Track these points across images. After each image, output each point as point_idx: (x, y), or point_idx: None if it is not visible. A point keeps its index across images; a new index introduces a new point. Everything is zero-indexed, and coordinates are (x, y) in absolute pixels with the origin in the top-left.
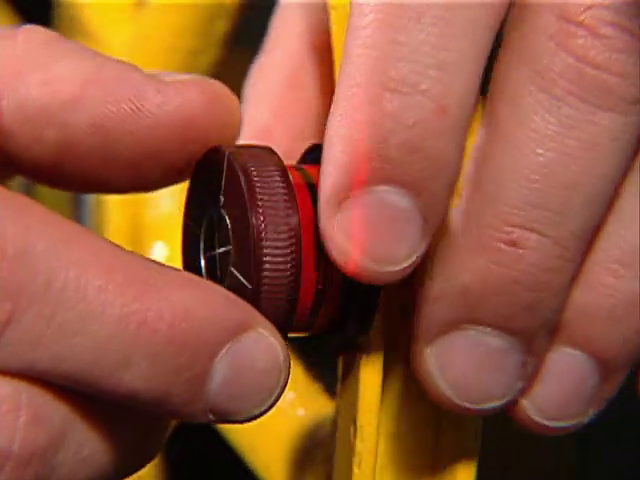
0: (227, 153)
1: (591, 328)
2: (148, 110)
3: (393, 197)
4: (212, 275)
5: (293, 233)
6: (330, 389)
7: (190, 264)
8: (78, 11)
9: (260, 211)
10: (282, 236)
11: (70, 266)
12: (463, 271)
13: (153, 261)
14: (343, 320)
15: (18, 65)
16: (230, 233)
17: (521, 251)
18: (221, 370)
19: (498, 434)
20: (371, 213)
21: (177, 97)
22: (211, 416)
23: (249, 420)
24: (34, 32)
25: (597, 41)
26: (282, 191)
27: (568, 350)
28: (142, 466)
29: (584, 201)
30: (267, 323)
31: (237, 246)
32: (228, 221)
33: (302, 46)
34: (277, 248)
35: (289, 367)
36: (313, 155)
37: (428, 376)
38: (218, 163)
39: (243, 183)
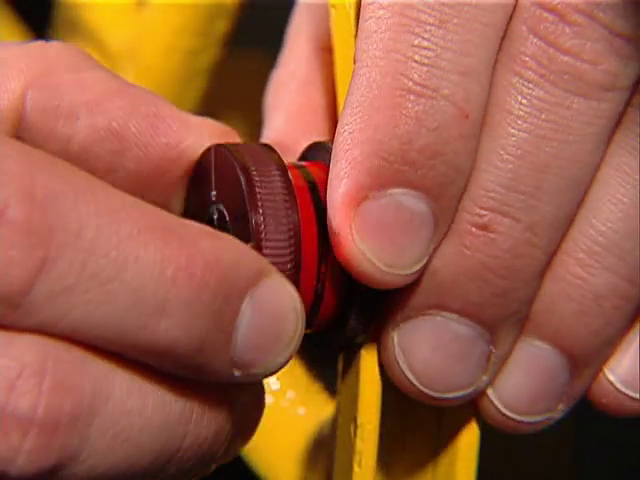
0: (227, 152)
1: (560, 320)
2: (165, 130)
3: (411, 201)
4: None
5: (293, 231)
6: (330, 388)
7: None
8: (78, 11)
9: (260, 210)
10: (282, 235)
11: (101, 214)
12: (435, 254)
13: (175, 216)
14: (343, 319)
15: (49, 65)
16: (230, 232)
17: (492, 235)
18: (247, 315)
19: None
20: (388, 216)
21: (191, 135)
22: (235, 372)
23: (269, 375)
24: (64, 45)
25: (567, 28)
26: (282, 190)
27: (537, 343)
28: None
29: (557, 185)
30: (279, 273)
31: None
32: (228, 219)
33: (312, 52)
34: (277, 247)
35: (304, 316)
36: (314, 152)
37: (393, 362)
38: (218, 162)
39: (243, 182)
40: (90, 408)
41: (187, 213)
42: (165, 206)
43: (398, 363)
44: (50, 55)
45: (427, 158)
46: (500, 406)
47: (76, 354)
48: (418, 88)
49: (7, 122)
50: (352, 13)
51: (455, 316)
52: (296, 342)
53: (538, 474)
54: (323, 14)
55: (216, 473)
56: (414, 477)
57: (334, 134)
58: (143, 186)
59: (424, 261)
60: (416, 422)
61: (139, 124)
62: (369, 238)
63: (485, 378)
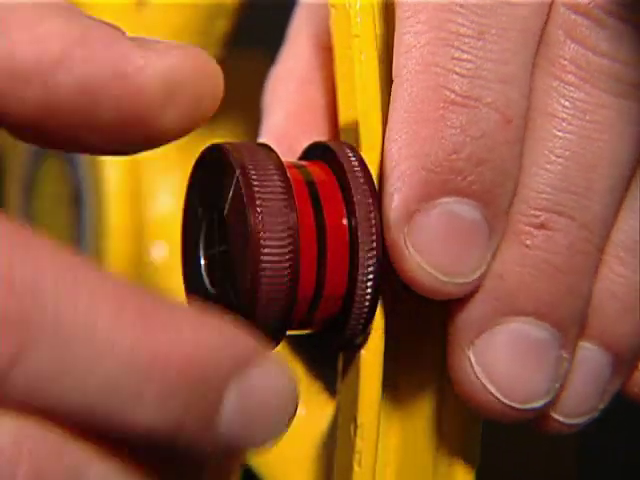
0: (226, 151)
1: (605, 319)
2: (132, 74)
3: (462, 208)
4: (211, 273)
5: (291, 231)
6: (330, 388)
7: (189, 262)
8: None
9: (258, 210)
10: (280, 235)
11: (79, 301)
12: (496, 261)
13: (158, 294)
14: (343, 319)
15: (4, 22)
16: (229, 231)
17: (551, 233)
18: (232, 402)
19: (498, 432)
20: (441, 226)
21: (160, 62)
22: (218, 450)
23: (256, 450)
24: None
25: (602, 31)
26: (280, 189)
27: (585, 345)
28: None
29: (605, 184)
30: (272, 353)
31: (236, 244)
32: (227, 219)
33: (312, 51)
34: (275, 247)
35: (298, 395)
36: (314, 153)
37: (473, 381)
38: (217, 161)
39: (241, 181)
40: None
41: (186, 214)
42: (157, 128)
43: (480, 380)
44: (2, 10)
45: (474, 165)
46: (552, 411)
47: (52, 438)
48: (460, 99)
49: None
50: (352, 13)
51: (530, 319)
52: (289, 419)
53: (539, 474)
54: (324, 13)
55: None
56: (415, 475)
57: (334, 134)
58: (123, 135)
59: (483, 268)
60: (416, 420)
61: (104, 75)
62: (425, 250)
63: (557, 386)
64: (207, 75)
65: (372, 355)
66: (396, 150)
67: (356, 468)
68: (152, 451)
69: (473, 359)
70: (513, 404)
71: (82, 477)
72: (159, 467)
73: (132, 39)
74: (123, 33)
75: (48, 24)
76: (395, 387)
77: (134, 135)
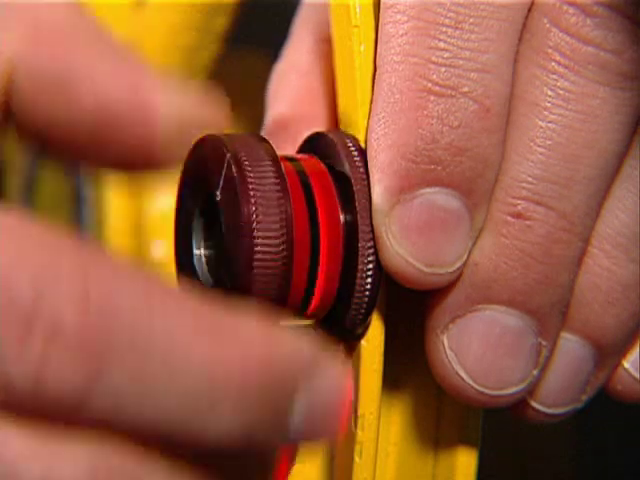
0: (219, 142)
1: (589, 312)
2: (152, 103)
3: (443, 198)
4: (205, 264)
5: (285, 222)
6: None
7: (183, 254)
8: None
9: (252, 200)
10: (274, 225)
11: (155, 319)
12: (474, 249)
13: (222, 305)
14: (343, 309)
15: (42, 31)
16: (222, 222)
17: (528, 222)
18: (300, 406)
19: (499, 423)
20: (422, 216)
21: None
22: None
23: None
24: (57, 5)
25: (589, 19)
26: (274, 180)
27: (567, 336)
28: None
29: (588, 175)
30: (329, 353)
31: (229, 234)
32: (220, 209)
33: (314, 43)
34: (269, 237)
35: (350, 389)
36: (314, 143)
37: (445, 365)
38: (210, 152)
39: (235, 172)
40: None
41: (180, 204)
42: (160, 158)
43: (451, 364)
44: (43, 18)
45: (453, 155)
46: (531, 400)
47: (127, 464)
48: (437, 88)
49: None
50: (352, 3)
51: (503, 308)
52: (345, 417)
53: (538, 475)
54: (326, 8)
55: None
56: (415, 466)
57: (336, 124)
58: (130, 152)
59: (465, 257)
60: (417, 410)
61: (121, 101)
62: (406, 241)
63: (535, 372)
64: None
65: (372, 346)
66: (375, 140)
67: (357, 459)
68: (221, 455)
69: (446, 344)
70: (485, 390)
71: None
72: (227, 468)
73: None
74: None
75: (80, 37)
76: (395, 378)
77: (139, 161)
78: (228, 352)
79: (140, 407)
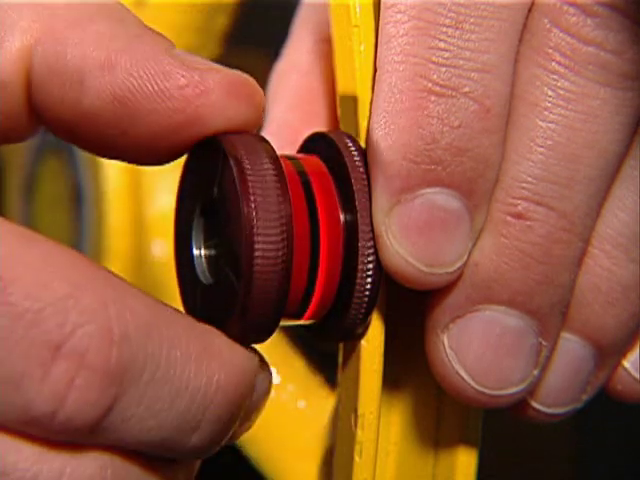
0: (219, 142)
1: (589, 312)
2: (170, 93)
3: (443, 198)
4: (204, 264)
5: (285, 222)
6: (331, 380)
7: (183, 254)
8: None
9: (252, 199)
10: (273, 224)
11: (162, 345)
12: (474, 249)
13: (201, 323)
14: (343, 309)
15: (55, 19)
16: (222, 222)
17: (528, 223)
18: (243, 412)
19: (499, 423)
20: (422, 216)
21: (200, 85)
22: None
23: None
24: None
25: (590, 19)
26: (274, 180)
27: (567, 336)
28: None
29: (588, 175)
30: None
31: (229, 234)
32: (220, 209)
33: (314, 43)
34: (269, 237)
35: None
36: (314, 143)
37: (445, 364)
38: (210, 152)
39: (235, 172)
40: None
41: (179, 204)
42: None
43: (451, 364)
44: (59, 10)
45: (453, 155)
46: (531, 400)
47: (128, 466)
48: (438, 88)
49: (16, 83)
50: (352, 3)
51: (503, 308)
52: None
53: (538, 475)
54: (326, 8)
55: (215, 467)
56: (415, 465)
57: (336, 123)
58: (154, 147)
59: (465, 257)
60: (417, 409)
61: (145, 89)
62: (406, 241)
63: (536, 373)
64: (244, 98)
65: (373, 345)
66: (375, 140)
67: (357, 458)
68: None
69: (446, 343)
70: (485, 390)
71: None
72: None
73: (175, 55)
74: (169, 45)
75: (97, 26)
76: (395, 378)
77: (164, 148)
78: (216, 373)
79: (141, 427)
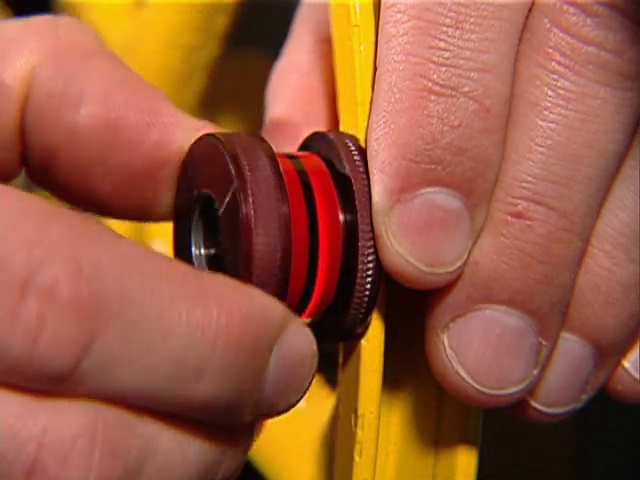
0: (217, 141)
1: (589, 312)
2: (159, 128)
3: (443, 198)
4: (203, 263)
5: (283, 222)
6: (331, 382)
7: (182, 254)
8: (77, 11)
9: (250, 200)
10: (272, 224)
11: (145, 283)
12: (474, 248)
13: (201, 270)
14: (343, 309)
15: (59, 45)
16: (221, 222)
17: (528, 222)
18: (273, 365)
19: (499, 423)
20: (422, 216)
21: (185, 137)
22: (258, 414)
23: (284, 412)
24: (73, 22)
25: (589, 19)
26: (272, 180)
27: (567, 336)
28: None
29: (588, 175)
30: (296, 315)
31: (228, 235)
32: (219, 209)
33: (314, 43)
34: (267, 237)
35: (317, 355)
36: (314, 143)
37: (445, 364)
38: (208, 152)
39: (233, 172)
40: (138, 468)
41: (177, 204)
42: (154, 201)
43: (451, 364)
44: (60, 34)
45: (453, 155)
46: (530, 399)
47: (123, 418)
48: (438, 88)
49: (14, 101)
50: (352, 3)
51: (504, 307)
52: (311, 379)
53: (538, 475)
54: (326, 8)
55: None
56: (415, 465)
57: (336, 123)
58: (132, 180)
59: (465, 257)
60: (417, 409)
61: (135, 119)
62: (406, 240)
63: (536, 372)
64: None
65: (373, 345)
66: (375, 140)
67: (357, 458)
68: (209, 419)
69: (446, 343)
70: (485, 390)
71: (153, 447)
72: (210, 430)
73: (169, 101)
74: (164, 94)
75: (99, 58)
76: (395, 377)
77: (141, 194)
78: (214, 314)
79: (131, 371)
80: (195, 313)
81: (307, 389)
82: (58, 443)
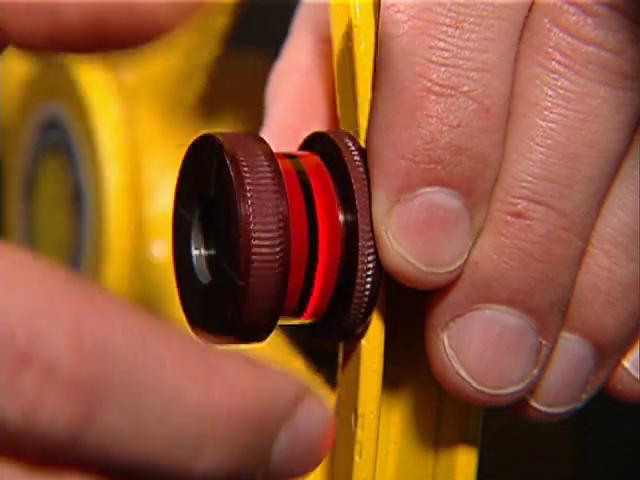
0: (216, 142)
1: (589, 311)
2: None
3: (443, 198)
4: (202, 264)
5: (282, 221)
6: (331, 382)
7: (181, 254)
8: None
9: (248, 200)
10: (270, 225)
11: (146, 360)
12: (474, 248)
13: (208, 344)
14: (343, 309)
15: None
16: (220, 221)
17: (528, 222)
18: (283, 441)
19: (499, 423)
20: (422, 216)
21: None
22: None
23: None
24: None
25: (590, 19)
26: (270, 179)
27: (567, 335)
28: None
29: (588, 174)
30: (313, 389)
31: (227, 234)
32: (218, 209)
33: (314, 43)
34: (266, 237)
35: (333, 421)
36: (313, 143)
37: (445, 363)
38: (207, 152)
39: (232, 172)
40: None
41: (177, 204)
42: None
43: (451, 363)
44: None
45: (453, 154)
46: (530, 399)
47: None
48: (437, 88)
49: None
50: (352, 3)
51: (503, 307)
52: (324, 455)
53: (538, 475)
54: (326, 7)
55: None
56: (415, 465)
57: (336, 123)
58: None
59: (465, 256)
60: (417, 409)
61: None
62: (406, 240)
63: (535, 372)
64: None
65: (373, 345)
66: (375, 139)
67: (357, 458)
68: None
69: (446, 343)
70: (484, 389)
71: None
72: None
73: None
74: None
75: None
76: (395, 377)
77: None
78: (217, 390)
79: (131, 447)
80: (196, 394)
81: (319, 463)
82: None
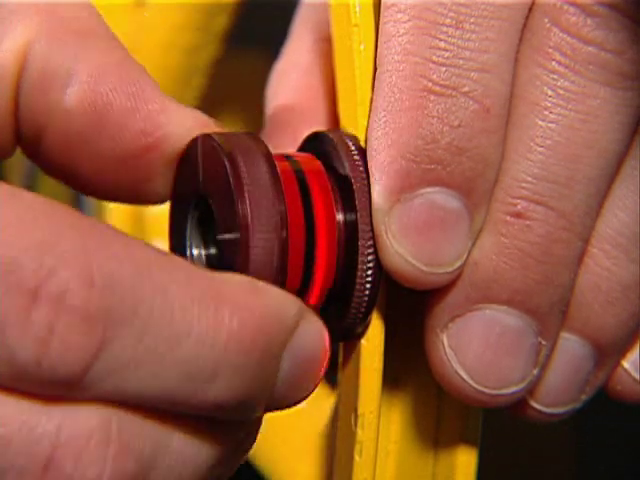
0: (213, 141)
1: (589, 311)
2: (143, 114)
3: (443, 198)
4: (201, 263)
5: (280, 222)
6: (331, 382)
7: (179, 254)
8: None
9: (247, 200)
10: (269, 226)
11: (155, 290)
12: (474, 248)
13: (213, 271)
14: (343, 308)
15: (57, 22)
16: (218, 221)
17: (528, 222)
18: (286, 363)
19: (499, 423)
20: (422, 216)
21: (171, 124)
22: (268, 409)
23: (295, 405)
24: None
25: (590, 19)
26: (269, 180)
27: (567, 335)
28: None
29: (588, 175)
30: (309, 309)
31: (224, 234)
32: (216, 209)
33: (314, 42)
34: (263, 236)
35: (328, 343)
36: (313, 143)
37: (444, 363)
38: (204, 151)
39: (229, 171)
40: (151, 464)
41: (174, 204)
42: (145, 185)
43: (450, 363)
44: (58, 9)
45: (453, 155)
46: (529, 399)
47: (136, 418)
48: (438, 88)
49: (9, 78)
50: (351, 2)
51: (504, 307)
52: (322, 373)
53: (538, 475)
54: (326, 7)
55: None
56: (415, 464)
57: (336, 123)
58: (118, 163)
59: (465, 257)
60: (417, 409)
61: (120, 103)
62: (406, 240)
63: (535, 372)
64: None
65: (372, 345)
66: (375, 139)
67: (357, 458)
68: (216, 417)
69: (446, 343)
70: (484, 389)
71: (165, 445)
72: (222, 427)
73: (159, 89)
74: (155, 82)
75: (95, 37)
76: (395, 377)
77: (119, 172)
78: (226, 319)
79: (142, 376)
80: (206, 318)
81: (319, 382)
82: (73, 440)
